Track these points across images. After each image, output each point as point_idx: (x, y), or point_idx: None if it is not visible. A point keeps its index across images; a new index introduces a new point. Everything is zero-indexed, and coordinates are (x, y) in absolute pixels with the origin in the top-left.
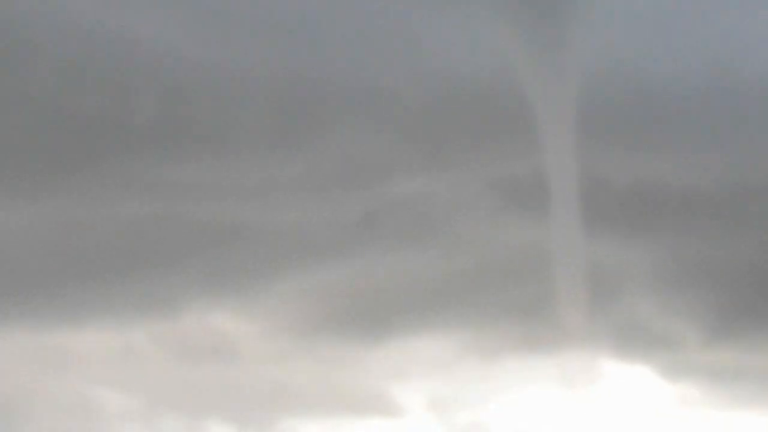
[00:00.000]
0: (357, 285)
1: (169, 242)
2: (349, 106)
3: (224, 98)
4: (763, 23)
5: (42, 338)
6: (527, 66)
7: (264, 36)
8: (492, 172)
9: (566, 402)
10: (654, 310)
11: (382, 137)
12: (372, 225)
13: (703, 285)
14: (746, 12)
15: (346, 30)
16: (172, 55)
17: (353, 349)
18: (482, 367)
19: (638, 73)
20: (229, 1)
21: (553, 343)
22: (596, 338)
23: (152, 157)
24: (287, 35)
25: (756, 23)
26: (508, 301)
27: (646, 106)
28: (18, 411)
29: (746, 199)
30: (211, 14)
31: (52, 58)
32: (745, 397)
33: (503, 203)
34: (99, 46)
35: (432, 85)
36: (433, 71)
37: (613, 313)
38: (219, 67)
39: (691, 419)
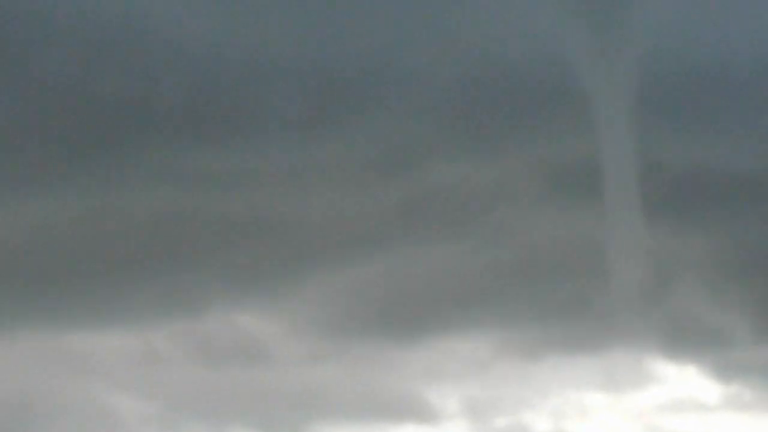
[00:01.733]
0: (390, 280)
1: (191, 236)
2: (384, 90)
3: (254, 82)
4: None
5: (59, 340)
6: (577, 46)
7: (295, 17)
8: (537, 157)
9: (611, 406)
10: (706, 306)
11: (418, 121)
12: (407, 215)
13: (758, 278)
14: None
15: (382, 11)
16: (199, 38)
17: (385, 350)
18: (521, 368)
19: (694, 56)
20: None
21: (598, 342)
22: (644, 336)
23: (175, 145)
24: (319, 16)
25: None
26: (550, 296)
27: (702, 88)
28: (36, 415)
29: None
30: None
31: (76, 41)
32: None
33: (547, 191)
34: (124, 30)
35: (472, 66)
36: (473, 52)
37: (663, 309)
38: (248, 50)
39: (743, 422)
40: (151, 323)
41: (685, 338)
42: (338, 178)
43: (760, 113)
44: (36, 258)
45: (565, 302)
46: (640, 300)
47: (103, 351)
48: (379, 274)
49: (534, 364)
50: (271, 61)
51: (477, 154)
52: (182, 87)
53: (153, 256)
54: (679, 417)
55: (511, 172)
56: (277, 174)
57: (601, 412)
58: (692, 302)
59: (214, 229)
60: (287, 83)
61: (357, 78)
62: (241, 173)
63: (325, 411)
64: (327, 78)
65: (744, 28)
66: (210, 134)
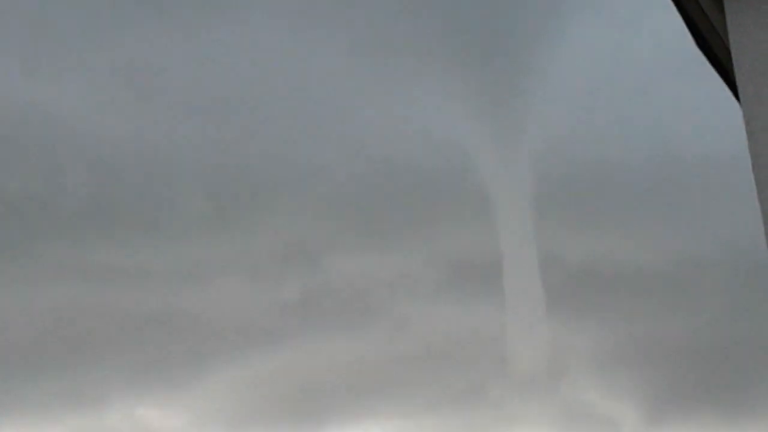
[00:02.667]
0: (291, 373)
1: (92, 331)
2: (284, 186)
3: (156, 179)
4: (705, 103)
5: None
6: (476, 141)
7: (196, 116)
8: (436, 250)
9: None
10: (600, 392)
11: (318, 216)
12: (308, 308)
13: (650, 367)
14: (690, 94)
15: (282, 109)
16: (101, 136)
17: None
18: None
19: (591, 153)
20: (161, 80)
21: (494, 430)
22: (539, 422)
23: (77, 241)
24: (220, 114)
25: (699, 103)
26: (448, 386)
27: (598, 185)
28: None
29: (696, 277)
30: (141, 94)
31: None
32: None
33: (445, 284)
34: (28, 125)
35: (372, 161)
36: (373, 148)
37: (559, 396)
38: (151, 147)
39: None
40: (51, 419)
41: (578, 425)
42: (239, 272)
43: (653, 210)
44: None
45: (462, 392)
46: (535, 389)
47: None
48: (280, 367)
49: None
50: (172, 159)
51: (376, 248)
52: (84, 183)
53: (54, 351)
54: None
55: (410, 265)
56: (178, 269)
57: None
58: (586, 390)
59: (115, 324)
60: (189, 179)
61: (257, 174)
62: (143, 268)
63: None
64: (228, 175)
65: (640, 129)
66: (111, 230)
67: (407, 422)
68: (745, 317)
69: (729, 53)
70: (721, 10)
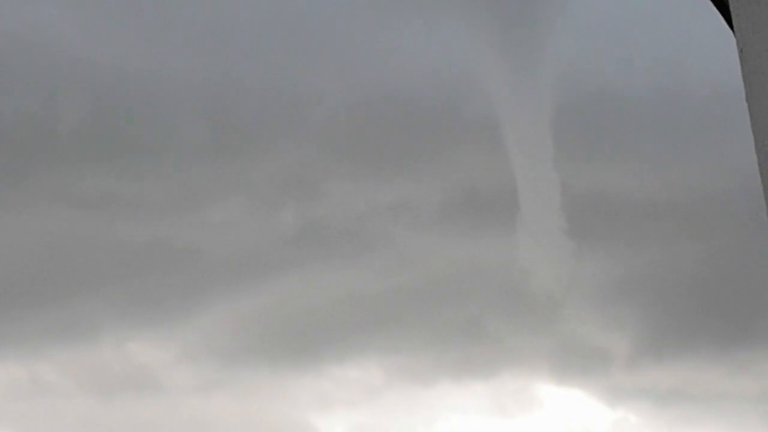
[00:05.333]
0: (284, 307)
1: (83, 262)
2: (282, 113)
3: (152, 106)
4: (715, 35)
5: None
6: (487, 74)
7: (195, 43)
8: (437, 180)
9: (500, 431)
10: (599, 325)
11: (317, 145)
12: (303, 241)
13: (654, 297)
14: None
15: (281, 37)
16: (99, 61)
17: (278, 377)
18: (413, 394)
19: (602, 84)
20: (161, 7)
21: (489, 367)
22: (532, 361)
23: (72, 167)
24: (219, 42)
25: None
26: (443, 322)
27: (608, 116)
28: None
29: (705, 208)
30: (140, 20)
31: None
32: (683, 420)
33: (447, 214)
34: (24, 50)
35: (374, 89)
36: (375, 74)
37: (552, 334)
38: (147, 73)
39: None
40: (39, 352)
41: (573, 362)
42: (237, 202)
43: (664, 141)
44: None
45: (461, 325)
46: (536, 321)
47: None
48: (276, 299)
49: (425, 389)
50: (169, 85)
51: (377, 178)
52: (80, 109)
53: (43, 282)
54: None
55: (411, 195)
56: (175, 198)
57: None
58: (586, 323)
59: (108, 254)
60: (187, 107)
61: (256, 103)
62: (139, 196)
63: None
64: (227, 103)
65: (652, 61)
66: (107, 157)
67: (405, 357)
68: (752, 249)
69: None
70: None
